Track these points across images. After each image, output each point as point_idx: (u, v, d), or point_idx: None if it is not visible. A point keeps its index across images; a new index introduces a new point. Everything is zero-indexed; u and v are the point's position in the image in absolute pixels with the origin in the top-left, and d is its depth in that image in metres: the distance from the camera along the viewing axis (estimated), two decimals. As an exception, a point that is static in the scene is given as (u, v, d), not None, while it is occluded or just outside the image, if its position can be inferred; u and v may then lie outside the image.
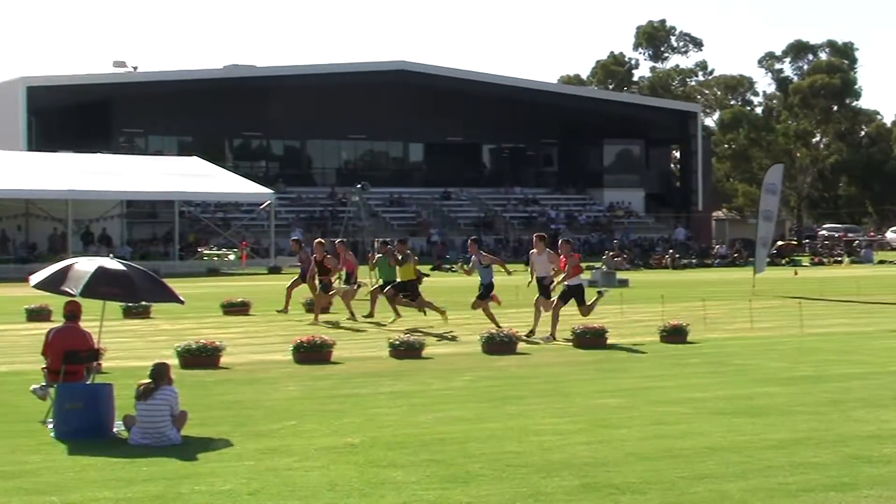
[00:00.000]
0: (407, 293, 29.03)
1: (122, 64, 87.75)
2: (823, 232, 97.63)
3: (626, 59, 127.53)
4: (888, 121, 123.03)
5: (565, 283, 25.35)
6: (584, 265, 26.18)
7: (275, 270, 60.37)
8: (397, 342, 22.10)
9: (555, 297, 25.86)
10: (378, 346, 23.17)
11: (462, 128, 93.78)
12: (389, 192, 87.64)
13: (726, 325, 28.65)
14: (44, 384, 15.25)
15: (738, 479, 11.48)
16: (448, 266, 66.78)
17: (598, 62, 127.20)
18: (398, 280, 29.27)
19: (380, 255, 30.59)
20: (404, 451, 12.90)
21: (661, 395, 17.06)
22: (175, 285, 15.96)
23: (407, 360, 21.34)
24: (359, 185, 66.40)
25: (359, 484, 11.38)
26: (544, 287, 25.95)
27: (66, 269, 14.90)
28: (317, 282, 30.40)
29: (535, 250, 26.44)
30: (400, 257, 29.20)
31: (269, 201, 66.88)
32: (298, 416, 15.21)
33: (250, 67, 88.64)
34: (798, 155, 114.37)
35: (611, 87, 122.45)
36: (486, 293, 27.08)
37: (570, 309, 25.57)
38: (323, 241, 32.75)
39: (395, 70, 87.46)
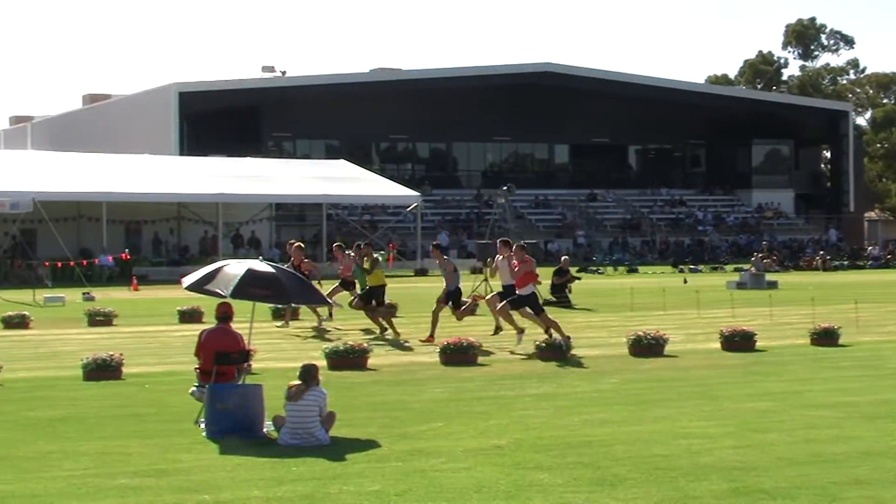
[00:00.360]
0: (373, 301, 27.35)
1: (270, 69, 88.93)
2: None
3: (775, 57, 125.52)
4: None
5: (518, 291, 23.78)
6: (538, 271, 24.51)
7: (421, 273, 60.65)
8: (543, 344, 22.07)
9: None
10: (524, 348, 23.15)
11: (608, 129, 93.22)
12: (535, 194, 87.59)
13: (879, 327, 28.11)
14: (198, 385, 15.54)
15: (894, 486, 11.24)
16: (594, 268, 66.55)
17: (746, 61, 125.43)
18: (367, 286, 27.69)
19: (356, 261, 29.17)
20: (550, 453, 12.88)
21: (811, 398, 16.80)
22: (322, 287, 16.13)
23: (553, 361, 21.29)
24: (504, 187, 66.38)
25: (505, 486, 11.39)
26: (509, 295, 24.21)
27: (217, 271, 15.17)
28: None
29: (499, 256, 25.04)
30: (367, 263, 27.61)
31: (415, 203, 67.27)
32: (445, 418, 15.27)
33: (396, 71, 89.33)
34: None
35: (759, 86, 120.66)
36: (447, 298, 25.90)
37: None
38: (302, 244, 32.21)
39: (540, 71, 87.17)
